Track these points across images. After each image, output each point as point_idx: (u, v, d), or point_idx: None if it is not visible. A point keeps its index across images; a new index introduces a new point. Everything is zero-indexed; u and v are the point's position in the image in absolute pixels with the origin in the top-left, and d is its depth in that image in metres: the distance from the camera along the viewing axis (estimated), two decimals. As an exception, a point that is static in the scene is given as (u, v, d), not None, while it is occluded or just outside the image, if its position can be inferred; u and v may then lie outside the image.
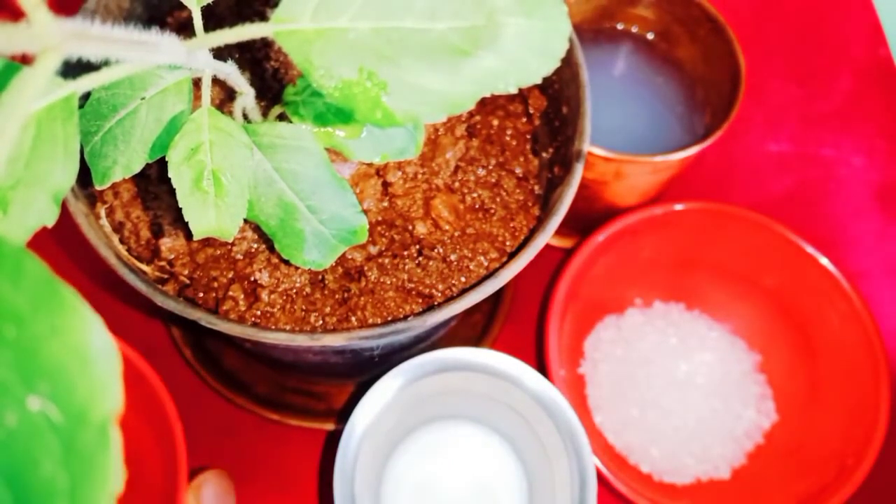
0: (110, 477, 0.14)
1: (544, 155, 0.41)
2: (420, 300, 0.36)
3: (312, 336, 0.34)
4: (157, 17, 0.43)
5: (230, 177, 0.30)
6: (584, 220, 0.54)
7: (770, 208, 0.61)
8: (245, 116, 0.34)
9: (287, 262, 0.36)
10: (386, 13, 0.23)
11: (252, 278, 0.36)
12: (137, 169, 0.31)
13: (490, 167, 0.40)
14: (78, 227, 0.35)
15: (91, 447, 0.14)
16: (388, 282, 0.36)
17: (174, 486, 0.42)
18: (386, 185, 0.38)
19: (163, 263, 0.37)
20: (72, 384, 0.15)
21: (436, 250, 0.37)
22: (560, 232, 0.57)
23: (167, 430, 0.43)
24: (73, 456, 0.14)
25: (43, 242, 0.54)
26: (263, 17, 0.25)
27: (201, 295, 0.36)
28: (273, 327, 0.36)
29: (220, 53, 0.31)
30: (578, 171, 0.37)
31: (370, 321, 0.36)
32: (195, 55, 0.27)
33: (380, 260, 0.37)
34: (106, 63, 0.23)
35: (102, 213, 0.38)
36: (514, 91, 0.23)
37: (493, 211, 0.39)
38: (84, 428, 0.15)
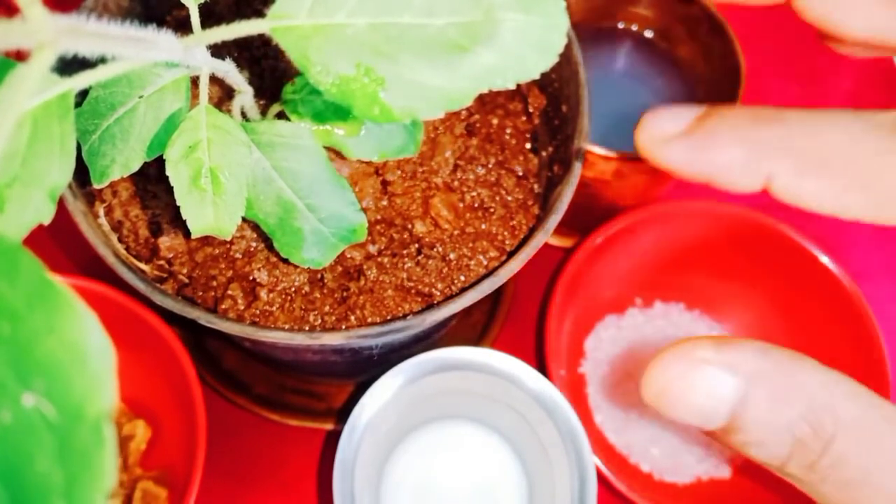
0: (105, 474, 0.14)
1: (544, 153, 0.41)
2: (419, 299, 0.36)
3: (311, 335, 0.34)
4: (157, 16, 0.43)
5: (228, 175, 0.30)
6: (584, 220, 0.54)
7: (770, 208, 0.60)
8: (244, 115, 0.34)
9: (286, 261, 0.36)
10: (383, 9, 0.23)
11: (251, 277, 0.36)
12: (136, 167, 0.31)
13: (489, 166, 0.40)
14: (76, 225, 0.35)
15: (86, 444, 0.14)
16: (388, 280, 0.36)
17: (193, 443, 0.44)
18: (385, 183, 0.38)
19: (161, 262, 0.37)
20: (67, 381, 0.15)
21: (435, 249, 0.37)
22: (560, 231, 0.57)
23: (186, 388, 0.46)
24: (68, 453, 0.14)
25: (40, 240, 0.54)
26: (262, 15, 0.25)
27: (200, 294, 0.36)
28: (272, 326, 0.35)
29: (219, 52, 0.31)
30: (578, 170, 0.37)
31: (369, 320, 0.35)
32: (192, 52, 0.27)
33: (379, 259, 0.37)
34: (102, 60, 0.23)
35: (101, 211, 0.38)
36: (512, 87, 0.23)
37: (492, 210, 0.39)
38: (79, 425, 0.14)
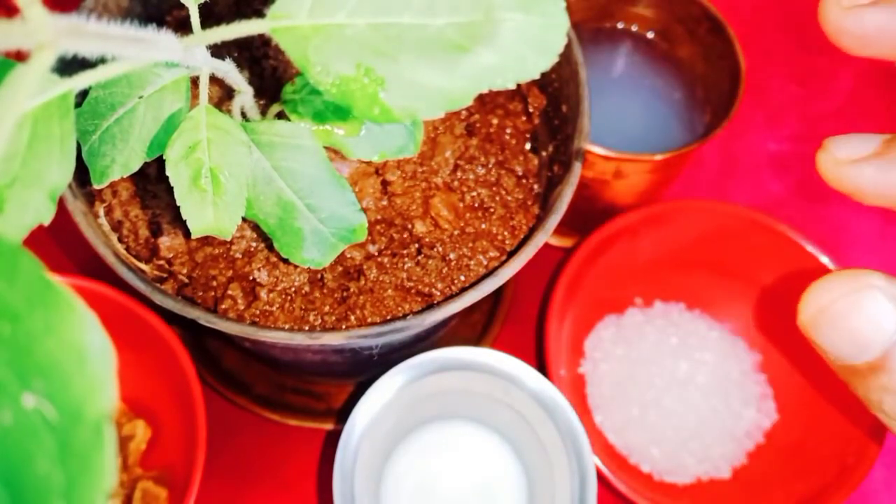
0: (105, 475, 0.14)
1: (544, 153, 0.41)
2: (419, 299, 0.36)
3: (311, 335, 0.34)
4: (157, 16, 0.43)
5: (228, 175, 0.30)
6: (584, 220, 0.54)
7: (770, 208, 0.61)
8: (244, 115, 0.34)
9: (286, 261, 0.36)
10: (383, 9, 0.22)
11: (251, 277, 0.36)
12: (136, 167, 0.31)
13: (489, 166, 0.40)
14: (76, 225, 0.35)
15: (86, 445, 0.14)
16: (388, 280, 0.36)
17: (193, 443, 0.44)
18: (385, 183, 0.38)
19: (161, 262, 0.37)
20: (67, 382, 0.15)
21: (435, 249, 0.37)
22: (560, 231, 0.57)
23: (186, 389, 0.46)
24: (69, 454, 0.14)
25: (40, 240, 0.54)
26: (262, 16, 0.25)
27: (200, 294, 0.36)
28: (272, 326, 0.35)
29: (219, 52, 0.31)
30: (578, 170, 0.37)
31: (369, 320, 0.35)
32: (192, 52, 0.27)
33: (379, 259, 0.37)
34: (103, 60, 0.23)
35: (101, 211, 0.38)
36: (512, 87, 0.23)
37: (492, 210, 0.39)
38: (79, 426, 0.14)
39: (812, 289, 0.24)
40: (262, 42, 0.40)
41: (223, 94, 0.39)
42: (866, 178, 0.26)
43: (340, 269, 0.37)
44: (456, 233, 0.38)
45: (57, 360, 0.15)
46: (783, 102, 0.66)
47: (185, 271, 0.37)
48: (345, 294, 0.36)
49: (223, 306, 0.36)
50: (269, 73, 0.40)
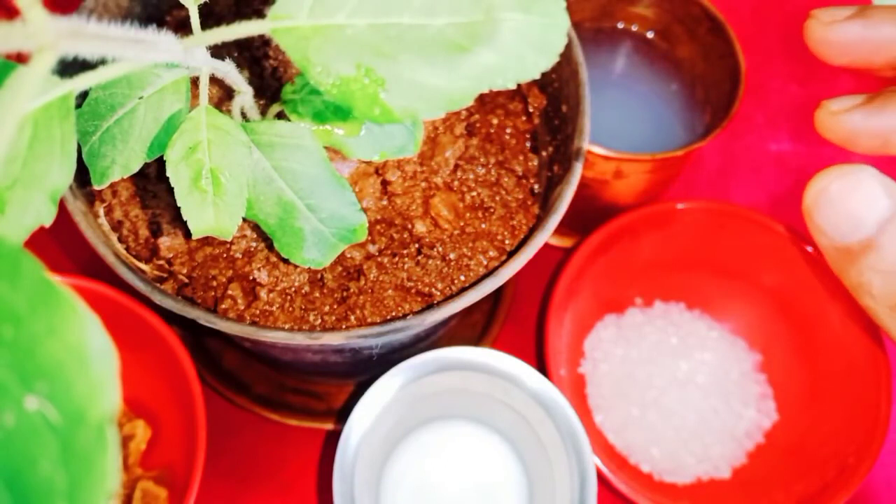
0: (108, 477, 0.14)
1: (544, 153, 0.41)
2: (419, 299, 0.36)
3: (311, 335, 0.34)
4: (156, 16, 0.43)
5: (228, 175, 0.30)
6: (584, 220, 0.54)
7: (770, 208, 0.61)
8: (243, 115, 0.34)
9: (286, 261, 0.36)
10: (383, 9, 0.23)
11: (251, 277, 0.36)
12: (136, 168, 0.31)
13: (489, 166, 0.40)
14: (76, 225, 0.35)
15: (89, 447, 0.14)
16: (388, 280, 0.36)
17: (193, 442, 0.44)
18: (385, 183, 0.38)
19: (161, 262, 0.37)
20: (69, 384, 0.15)
21: (435, 249, 0.37)
22: (560, 231, 0.57)
23: (186, 389, 0.46)
24: (71, 456, 0.14)
25: (40, 240, 0.54)
26: (262, 16, 0.25)
27: (200, 294, 0.36)
28: (272, 326, 0.35)
29: (219, 52, 0.31)
30: (578, 170, 0.37)
31: (369, 320, 0.35)
32: (192, 53, 0.27)
33: (379, 259, 0.37)
34: (103, 62, 0.23)
35: (101, 211, 0.38)
36: (512, 87, 0.23)
37: (492, 209, 0.39)
38: (82, 428, 0.14)
39: (813, 178, 0.27)
40: (262, 42, 0.40)
41: (223, 94, 0.39)
42: (856, 123, 0.31)
43: (340, 269, 0.37)
44: (456, 233, 0.38)
45: (59, 362, 0.15)
46: (783, 102, 0.66)
47: (185, 271, 0.37)
48: (345, 294, 0.36)
49: (223, 306, 0.36)
50: (269, 73, 0.40)
